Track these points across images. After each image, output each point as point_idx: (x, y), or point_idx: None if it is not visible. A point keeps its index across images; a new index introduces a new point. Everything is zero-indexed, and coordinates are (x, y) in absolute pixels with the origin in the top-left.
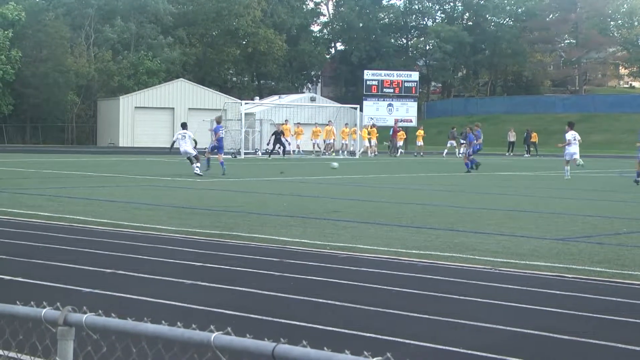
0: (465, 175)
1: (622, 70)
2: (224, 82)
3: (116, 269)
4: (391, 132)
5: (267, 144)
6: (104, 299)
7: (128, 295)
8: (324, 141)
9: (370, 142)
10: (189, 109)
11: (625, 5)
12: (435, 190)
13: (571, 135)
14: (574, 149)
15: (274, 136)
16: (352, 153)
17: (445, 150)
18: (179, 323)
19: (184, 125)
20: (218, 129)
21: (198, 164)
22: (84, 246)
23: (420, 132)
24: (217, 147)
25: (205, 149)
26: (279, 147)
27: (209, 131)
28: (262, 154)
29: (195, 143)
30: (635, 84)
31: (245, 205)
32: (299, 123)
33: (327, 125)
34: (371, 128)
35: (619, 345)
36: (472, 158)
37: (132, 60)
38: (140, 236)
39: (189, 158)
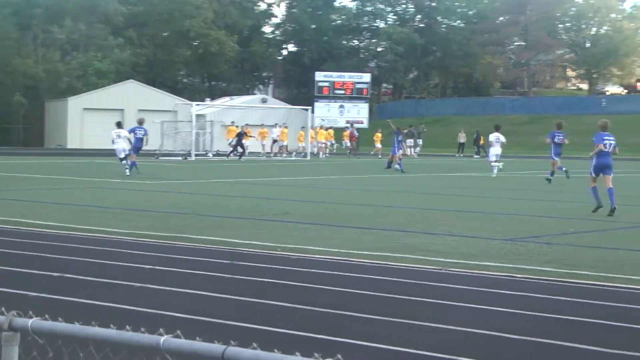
0: (416, 176)
1: (570, 73)
2: (174, 84)
3: (63, 273)
4: (349, 135)
5: (230, 144)
6: (51, 303)
7: (76, 299)
8: (278, 143)
9: (325, 143)
10: (139, 110)
11: (573, 9)
12: (386, 192)
13: (494, 137)
14: (496, 150)
15: (237, 137)
16: (305, 154)
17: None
18: (127, 326)
19: (119, 125)
20: (134, 129)
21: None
22: (30, 249)
23: (378, 135)
24: (133, 148)
25: (156, 150)
26: (238, 150)
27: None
28: (213, 155)
29: (130, 142)
30: (583, 86)
31: (196, 207)
32: (247, 124)
33: (282, 127)
34: (327, 130)
35: (569, 344)
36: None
37: (81, 61)
38: (89, 239)
39: (121, 157)
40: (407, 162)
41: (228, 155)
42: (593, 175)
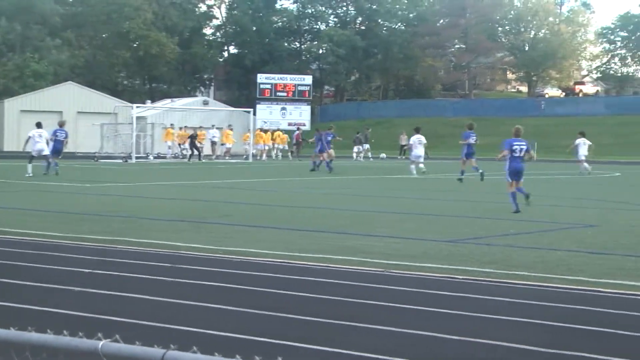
0: (358, 178)
1: (510, 75)
2: (114, 86)
3: (0, 277)
4: (294, 138)
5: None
6: None
7: (12, 304)
8: (224, 145)
9: (268, 146)
10: (78, 112)
11: (512, 12)
12: (327, 194)
13: (416, 139)
14: (419, 152)
15: (189, 139)
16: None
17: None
18: (65, 331)
19: (39, 125)
20: (55, 132)
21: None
22: None
23: None
24: (53, 150)
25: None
26: (194, 152)
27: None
28: (154, 158)
29: (48, 143)
30: (523, 88)
31: (136, 210)
32: (185, 126)
33: (227, 129)
34: (267, 132)
35: (506, 344)
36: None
37: (18, 63)
38: (27, 243)
39: (43, 157)
40: (353, 165)
41: (189, 159)
42: (509, 180)
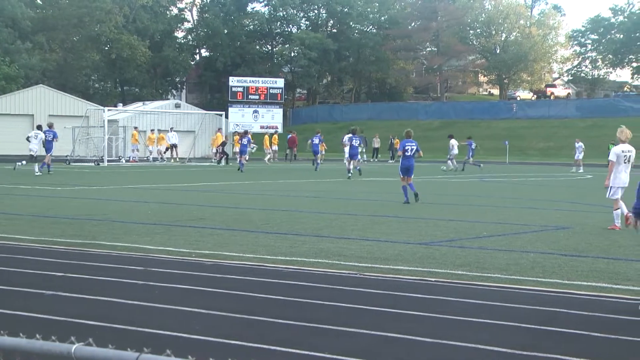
0: (332, 181)
1: (482, 78)
2: (86, 89)
3: None
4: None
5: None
6: None
7: None
8: (216, 149)
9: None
10: (50, 115)
11: (483, 15)
12: (301, 197)
13: (348, 138)
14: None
15: (221, 145)
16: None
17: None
18: (37, 335)
19: (39, 127)
20: (45, 132)
21: (38, 165)
22: None
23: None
24: (47, 150)
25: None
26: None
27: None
28: (126, 161)
29: (44, 145)
30: (495, 91)
31: (108, 213)
32: (159, 129)
33: (217, 132)
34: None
35: (480, 346)
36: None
37: None
38: None
39: (34, 157)
40: (328, 168)
41: (219, 162)
42: (402, 175)
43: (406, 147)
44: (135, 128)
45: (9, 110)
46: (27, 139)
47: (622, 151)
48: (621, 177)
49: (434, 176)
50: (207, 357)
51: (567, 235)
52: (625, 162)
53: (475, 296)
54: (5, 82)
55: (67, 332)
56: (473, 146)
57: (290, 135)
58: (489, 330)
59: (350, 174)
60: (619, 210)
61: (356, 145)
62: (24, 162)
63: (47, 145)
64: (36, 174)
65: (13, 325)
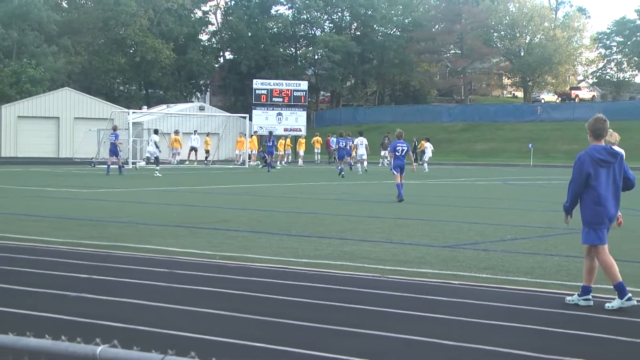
0: (355, 184)
1: (506, 81)
2: (110, 91)
3: None
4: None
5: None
6: None
7: (10, 310)
8: (251, 151)
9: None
10: (75, 118)
11: (507, 17)
12: (325, 199)
13: (359, 140)
14: (361, 151)
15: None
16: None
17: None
18: (63, 337)
19: (155, 131)
20: (110, 135)
21: (158, 167)
22: None
23: (319, 140)
24: (110, 152)
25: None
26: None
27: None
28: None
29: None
30: (518, 93)
31: (133, 215)
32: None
33: (252, 135)
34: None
35: (503, 350)
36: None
37: (14, 69)
38: (24, 248)
39: (152, 160)
40: (374, 170)
41: (265, 166)
42: (395, 173)
43: (397, 148)
44: (176, 132)
45: (35, 113)
46: (148, 143)
47: None
48: None
49: (458, 179)
50: (231, 359)
51: None
52: None
53: (499, 299)
54: (31, 85)
55: (92, 333)
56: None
57: (328, 137)
58: (513, 334)
59: (343, 173)
60: None
61: (342, 146)
62: (92, 162)
63: (111, 147)
64: (156, 175)
65: (38, 327)
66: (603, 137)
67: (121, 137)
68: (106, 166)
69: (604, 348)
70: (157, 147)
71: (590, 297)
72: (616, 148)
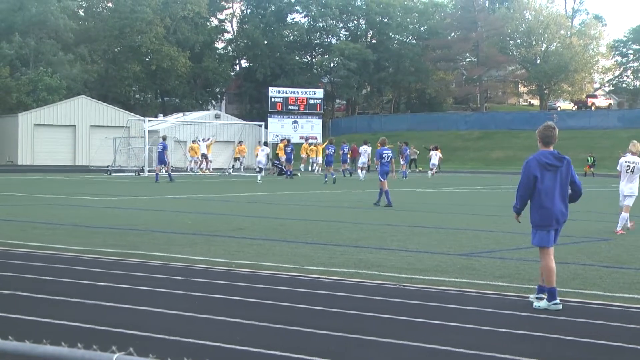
0: (370, 192)
1: (522, 89)
2: (127, 99)
3: (14, 290)
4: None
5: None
6: (1, 321)
7: (26, 317)
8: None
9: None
10: (91, 126)
11: (523, 25)
12: (340, 208)
13: (363, 149)
14: (364, 159)
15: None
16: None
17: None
18: (79, 344)
19: (265, 143)
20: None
21: (261, 174)
22: None
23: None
24: (160, 161)
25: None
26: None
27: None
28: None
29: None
30: (535, 101)
31: (149, 223)
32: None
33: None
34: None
35: (518, 357)
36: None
37: (31, 77)
38: (41, 256)
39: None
40: (371, 178)
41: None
42: (382, 179)
43: (383, 155)
44: (203, 139)
45: (51, 121)
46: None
47: (626, 162)
48: (620, 185)
49: (475, 187)
50: None
51: (609, 246)
52: (628, 172)
53: (516, 308)
54: (47, 93)
55: (108, 341)
56: (407, 152)
57: (353, 145)
58: (529, 342)
59: (326, 179)
60: (623, 214)
61: (331, 153)
62: (109, 170)
63: (159, 156)
64: (258, 181)
65: (55, 334)
66: (552, 144)
67: (137, 144)
68: (155, 174)
69: (625, 357)
70: (268, 158)
71: (557, 299)
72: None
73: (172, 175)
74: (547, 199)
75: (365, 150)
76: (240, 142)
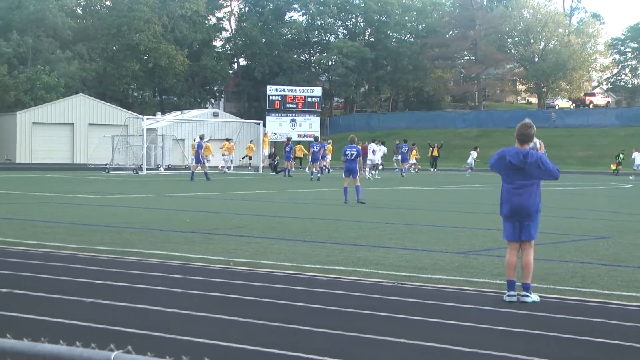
0: (367, 190)
1: (520, 87)
2: (125, 98)
3: (12, 289)
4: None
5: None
6: None
7: (24, 315)
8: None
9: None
10: (89, 124)
11: (521, 23)
12: (338, 205)
13: (372, 147)
14: (372, 157)
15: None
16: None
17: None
18: (77, 342)
19: (316, 139)
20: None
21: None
22: None
23: (329, 149)
24: (196, 160)
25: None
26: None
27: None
28: (164, 169)
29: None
30: (533, 100)
31: (147, 221)
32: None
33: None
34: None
35: (515, 355)
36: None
37: (29, 75)
38: (38, 254)
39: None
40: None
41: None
42: (345, 177)
43: (347, 152)
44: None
45: (49, 119)
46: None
47: None
48: None
49: (473, 185)
50: None
51: (607, 244)
52: None
53: (513, 306)
54: (45, 92)
55: (106, 339)
56: (404, 150)
57: (365, 144)
58: (527, 340)
59: (312, 176)
60: None
61: (316, 150)
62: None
63: (195, 155)
64: (310, 178)
65: (53, 333)
66: (527, 143)
67: (135, 143)
68: (190, 172)
69: (622, 356)
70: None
71: (528, 294)
72: None
73: (208, 174)
74: (506, 193)
75: (373, 148)
76: (228, 139)
